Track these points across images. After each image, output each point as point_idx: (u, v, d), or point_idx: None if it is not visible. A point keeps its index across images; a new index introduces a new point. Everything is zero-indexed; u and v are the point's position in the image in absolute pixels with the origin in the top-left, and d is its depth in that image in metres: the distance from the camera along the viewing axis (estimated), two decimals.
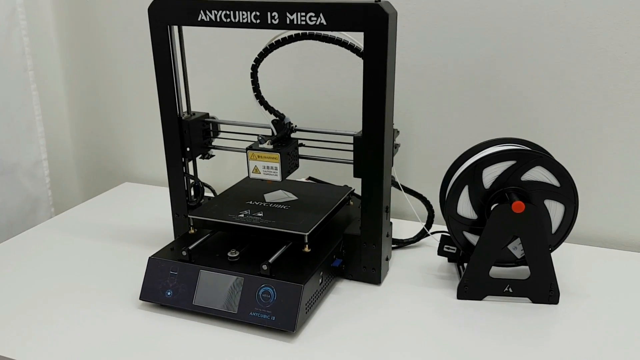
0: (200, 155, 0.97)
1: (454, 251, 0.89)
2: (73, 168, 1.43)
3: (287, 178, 0.89)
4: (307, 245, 0.83)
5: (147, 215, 1.14)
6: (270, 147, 0.86)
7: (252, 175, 0.88)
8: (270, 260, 0.78)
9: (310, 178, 1.08)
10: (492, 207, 0.81)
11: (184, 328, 0.77)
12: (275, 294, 0.76)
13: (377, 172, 0.81)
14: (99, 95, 1.34)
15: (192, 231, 0.91)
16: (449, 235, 0.86)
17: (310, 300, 0.78)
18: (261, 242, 0.86)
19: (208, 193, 1.01)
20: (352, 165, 0.84)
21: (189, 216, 0.90)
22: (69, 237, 1.05)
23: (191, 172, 0.96)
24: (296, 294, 0.75)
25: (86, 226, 1.10)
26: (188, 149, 0.93)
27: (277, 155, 0.85)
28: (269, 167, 0.87)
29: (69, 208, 1.20)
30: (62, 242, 1.04)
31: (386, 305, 0.83)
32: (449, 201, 0.84)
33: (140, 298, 0.81)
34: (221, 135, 0.98)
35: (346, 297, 0.85)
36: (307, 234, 0.82)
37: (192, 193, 0.97)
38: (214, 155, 0.99)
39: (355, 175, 0.83)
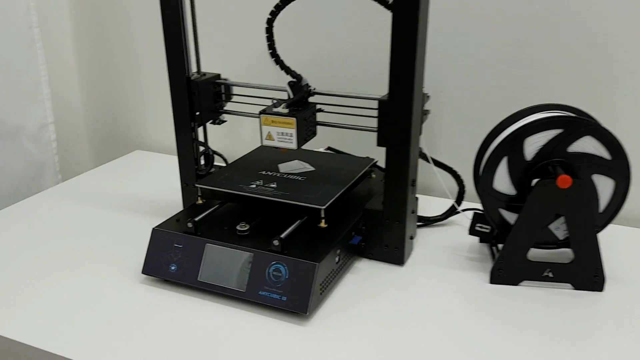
0: (211, 121, 0.91)
1: (488, 230, 0.83)
2: (83, 133, 1.39)
3: (304, 147, 0.83)
4: (323, 220, 0.77)
5: (158, 185, 1.11)
6: (286, 111, 0.80)
7: (265, 142, 0.82)
8: (282, 236, 0.73)
9: (329, 148, 1.03)
10: (534, 182, 0.74)
11: (187, 305, 0.73)
12: (287, 273, 0.70)
13: (403, 140, 0.74)
14: (111, 55, 1.29)
15: (201, 202, 0.85)
16: (482, 212, 0.80)
17: (325, 281, 0.73)
18: (273, 216, 0.80)
19: (220, 162, 0.95)
20: (375, 134, 0.77)
21: (196, 185, 0.84)
22: (75, 205, 1.02)
23: (201, 139, 0.91)
24: (310, 273, 0.69)
25: (93, 194, 1.07)
26: (197, 113, 0.87)
27: (293, 120, 0.79)
28: (283, 134, 0.80)
29: (77, 175, 1.16)
30: (67, 210, 1.00)
31: (409, 288, 0.77)
32: (484, 175, 0.77)
33: (143, 272, 0.77)
34: (234, 99, 0.92)
35: (365, 277, 0.79)
36: (324, 207, 0.76)
37: (202, 161, 0.92)
38: (225, 121, 0.93)
39: (379, 144, 0.77)
